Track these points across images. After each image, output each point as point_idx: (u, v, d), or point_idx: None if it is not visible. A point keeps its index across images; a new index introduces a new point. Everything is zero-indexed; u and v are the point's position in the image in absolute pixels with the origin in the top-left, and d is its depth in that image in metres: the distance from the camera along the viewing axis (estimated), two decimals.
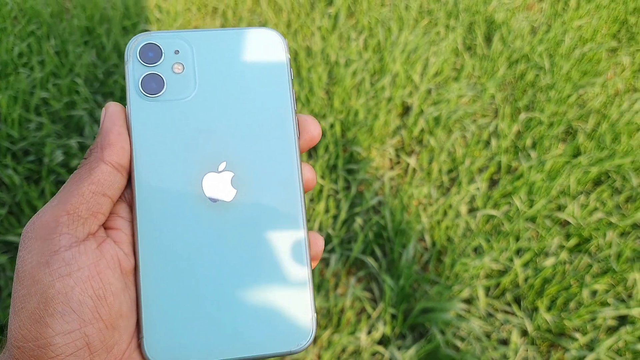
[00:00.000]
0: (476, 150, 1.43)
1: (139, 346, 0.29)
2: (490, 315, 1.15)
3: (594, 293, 1.17)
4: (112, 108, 0.31)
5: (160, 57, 0.32)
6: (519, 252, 1.23)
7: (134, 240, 0.30)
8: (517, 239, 1.24)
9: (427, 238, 1.25)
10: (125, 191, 0.31)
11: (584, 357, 1.06)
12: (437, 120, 1.48)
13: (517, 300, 1.18)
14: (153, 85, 0.32)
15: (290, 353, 0.31)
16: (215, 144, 0.32)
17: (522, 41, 1.74)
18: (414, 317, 1.11)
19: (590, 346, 1.10)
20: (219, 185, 0.31)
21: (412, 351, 1.05)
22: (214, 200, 0.31)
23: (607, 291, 1.18)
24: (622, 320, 1.15)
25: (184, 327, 0.30)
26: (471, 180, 1.36)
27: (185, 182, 0.31)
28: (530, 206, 1.30)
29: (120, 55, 1.54)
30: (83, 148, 1.32)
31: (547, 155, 1.40)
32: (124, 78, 0.31)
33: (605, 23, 1.91)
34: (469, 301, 1.17)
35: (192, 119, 0.32)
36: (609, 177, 1.41)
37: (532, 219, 1.29)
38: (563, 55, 1.71)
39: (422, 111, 1.51)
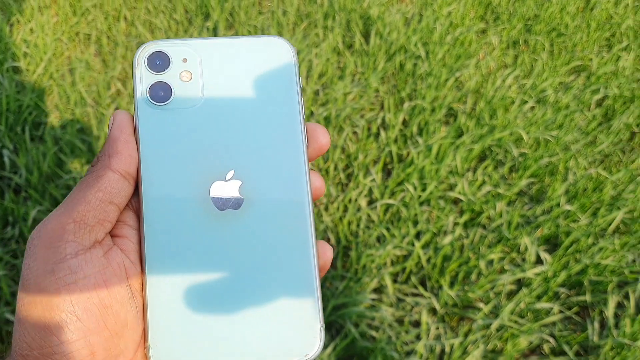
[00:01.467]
0: (368, 144, 1.47)
1: (145, 355, 0.29)
2: (400, 300, 1.19)
3: (491, 262, 1.24)
4: (120, 116, 0.31)
5: (168, 65, 0.32)
6: (418, 235, 1.28)
7: (141, 249, 0.30)
8: (415, 223, 1.29)
9: (332, 236, 1.27)
10: (132, 199, 0.31)
11: (490, 324, 1.13)
12: (327, 119, 1.51)
13: (423, 282, 1.23)
14: (160, 93, 0.32)
15: None
16: (223, 152, 0.31)
17: (398, 33, 1.81)
18: (328, 316, 1.12)
19: (495, 313, 1.16)
20: (226, 194, 0.31)
21: (329, 350, 1.07)
22: (222, 209, 0.31)
23: (502, 258, 1.25)
24: (520, 283, 1.22)
25: (191, 337, 0.29)
26: (367, 173, 1.40)
27: (192, 190, 0.31)
28: (423, 190, 1.35)
29: None
30: None
31: (433, 139, 1.46)
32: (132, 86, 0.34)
33: (472, 7, 2.03)
34: (378, 290, 1.20)
35: (199, 127, 0.32)
36: (491, 151, 1.49)
37: (427, 202, 1.35)
38: (436, 42, 1.80)
39: (312, 113, 1.54)
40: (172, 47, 0.33)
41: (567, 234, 1.29)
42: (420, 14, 1.95)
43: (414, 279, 1.21)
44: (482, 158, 1.50)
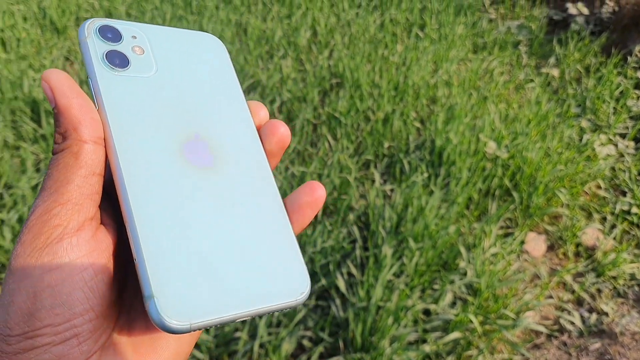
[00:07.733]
0: None
1: (146, 309, 0.27)
2: None
3: None
4: (55, 76, 0.28)
5: (120, 38, 0.32)
6: None
7: (121, 210, 0.29)
8: None
9: None
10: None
11: (251, 347, 1.16)
12: None
13: None
14: (117, 60, 0.31)
15: (296, 303, 0.31)
16: (186, 117, 0.32)
17: None
18: None
19: (254, 333, 1.20)
20: (200, 152, 0.32)
21: None
22: (198, 165, 0.31)
23: None
24: None
25: (193, 285, 0.28)
26: None
27: (168, 150, 0.31)
28: None
29: None
30: None
31: None
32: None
33: None
34: None
35: (158, 94, 0.32)
36: None
37: None
38: None
39: None
40: (120, 25, 0.33)
41: None
42: None
43: None
44: None
